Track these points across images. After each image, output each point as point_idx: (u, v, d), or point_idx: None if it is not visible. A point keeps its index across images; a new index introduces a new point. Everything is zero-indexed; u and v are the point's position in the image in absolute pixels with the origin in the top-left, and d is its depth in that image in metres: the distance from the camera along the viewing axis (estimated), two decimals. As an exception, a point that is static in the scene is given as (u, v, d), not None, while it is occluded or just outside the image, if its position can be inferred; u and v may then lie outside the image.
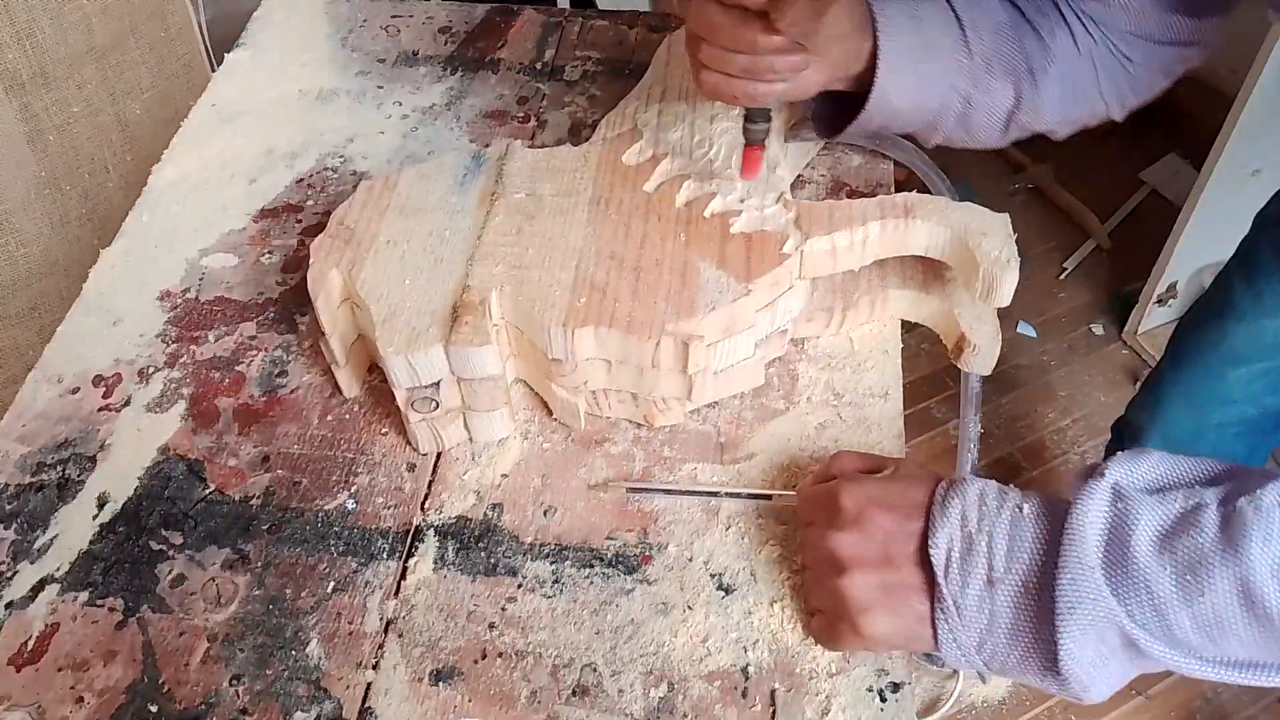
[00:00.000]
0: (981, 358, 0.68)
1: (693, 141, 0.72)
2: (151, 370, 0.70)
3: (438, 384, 0.61)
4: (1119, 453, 0.50)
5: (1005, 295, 0.63)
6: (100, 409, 0.68)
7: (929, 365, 1.74)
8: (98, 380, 0.70)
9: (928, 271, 0.70)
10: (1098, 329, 1.84)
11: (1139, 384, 1.13)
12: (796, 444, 0.65)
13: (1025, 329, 1.81)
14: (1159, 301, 1.72)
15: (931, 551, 0.50)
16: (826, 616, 0.54)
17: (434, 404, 0.61)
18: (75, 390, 0.69)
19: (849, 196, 0.81)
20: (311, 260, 0.64)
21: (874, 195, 0.81)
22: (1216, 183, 1.50)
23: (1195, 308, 1.01)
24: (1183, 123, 2.01)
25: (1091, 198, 1.99)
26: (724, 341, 0.63)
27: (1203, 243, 1.62)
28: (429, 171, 0.70)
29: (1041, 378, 1.76)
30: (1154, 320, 1.76)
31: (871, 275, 0.70)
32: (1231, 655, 0.46)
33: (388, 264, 0.64)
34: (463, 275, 0.63)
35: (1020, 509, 0.51)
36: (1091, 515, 0.48)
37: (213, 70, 1.58)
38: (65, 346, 0.72)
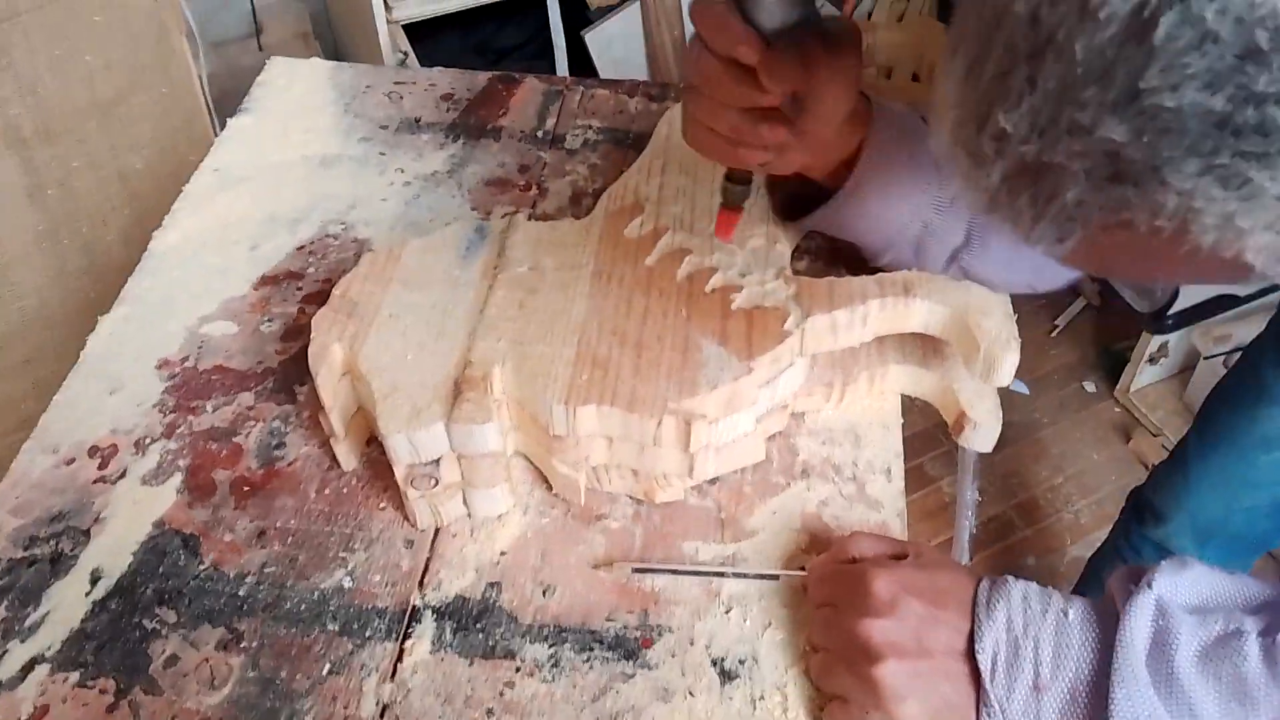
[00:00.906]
0: (982, 435, 0.68)
1: (693, 215, 0.72)
2: (148, 441, 0.70)
3: (438, 460, 0.61)
4: (1162, 563, 0.51)
5: (1005, 375, 0.63)
6: (95, 480, 0.67)
7: (922, 422, 1.73)
8: (94, 451, 0.69)
9: (927, 347, 0.70)
10: (1089, 386, 1.85)
11: (1160, 464, 1.12)
12: (799, 521, 0.65)
13: (1018, 386, 1.82)
14: (1150, 360, 1.73)
15: (979, 656, 0.51)
16: (852, 704, 0.53)
17: (433, 481, 0.61)
18: (71, 461, 0.69)
19: (845, 265, 0.81)
20: (313, 335, 0.64)
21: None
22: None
23: (1224, 390, 1.01)
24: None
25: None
26: (725, 418, 0.63)
27: (1194, 304, 1.63)
28: (434, 244, 0.70)
29: (1034, 434, 1.77)
30: (1145, 379, 1.77)
31: (871, 350, 0.70)
32: None
33: (390, 338, 0.64)
34: (465, 349, 0.63)
35: (1065, 614, 0.51)
36: (1140, 630, 0.48)
37: (213, 124, 1.60)
38: (62, 414, 0.71)
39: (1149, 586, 0.50)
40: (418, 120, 0.97)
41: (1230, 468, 0.98)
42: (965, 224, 0.66)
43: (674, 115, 0.82)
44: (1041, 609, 0.52)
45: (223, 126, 1.61)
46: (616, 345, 0.63)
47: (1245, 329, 1.66)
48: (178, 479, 0.68)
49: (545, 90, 1.00)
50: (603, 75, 1.89)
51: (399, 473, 0.61)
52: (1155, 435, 1.72)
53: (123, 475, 0.68)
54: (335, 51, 2.10)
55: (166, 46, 1.47)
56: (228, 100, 1.70)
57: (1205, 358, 1.65)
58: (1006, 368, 0.63)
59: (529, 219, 0.86)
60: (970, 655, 0.52)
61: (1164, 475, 1.09)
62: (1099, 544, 1.68)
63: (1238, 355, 1.66)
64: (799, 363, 0.66)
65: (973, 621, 0.53)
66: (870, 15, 2.36)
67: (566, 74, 1.85)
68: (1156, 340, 1.68)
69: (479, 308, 0.66)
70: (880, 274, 0.67)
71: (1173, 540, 1.08)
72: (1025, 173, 0.32)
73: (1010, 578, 0.55)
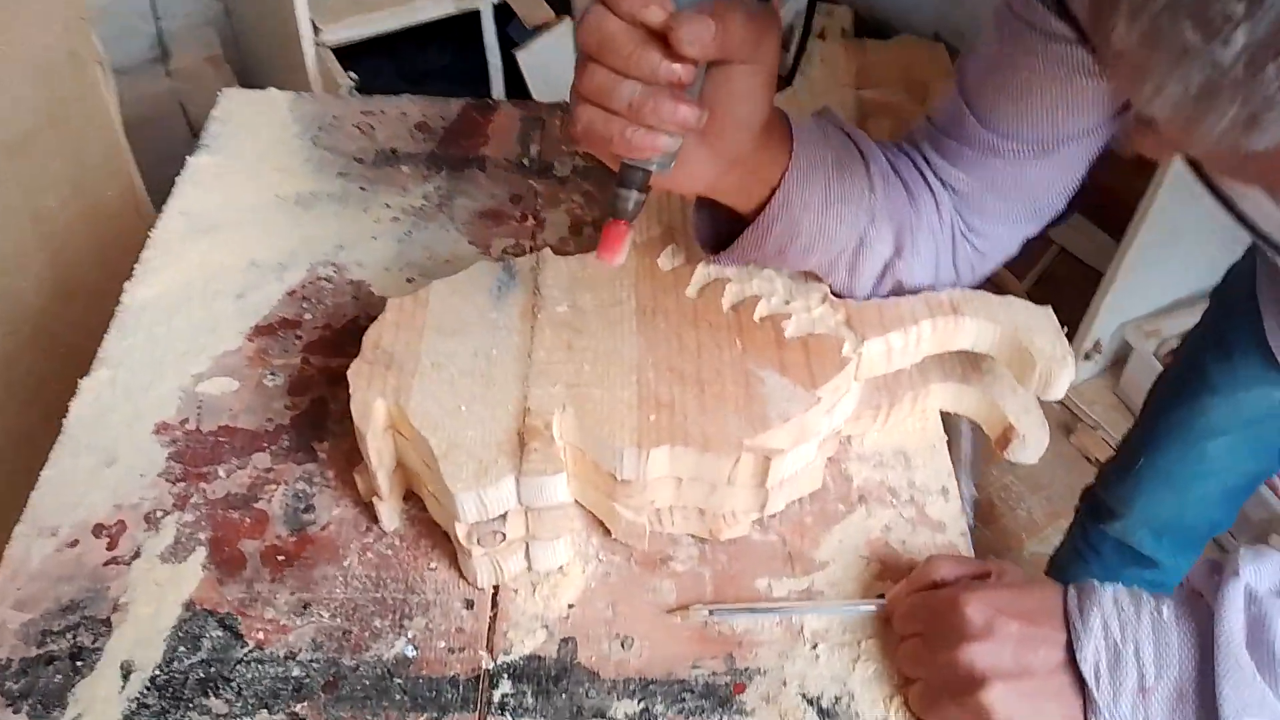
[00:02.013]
0: (1030, 448, 0.68)
1: (722, 242, 0.71)
2: (160, 514, 0.64)
3: (504, 515, 0.57)
4: (1242, 551, 0.51)
5: (1061, 389, 0.64)
6: (106, 563, 0.61)
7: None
8: (99, 530, 0.63)
9: (966, 363, 0.71)
10: (1027, 385, 1.91)
11: (1108, 461, 1.15)
12: (867, 549, 0.64)
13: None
14: (1085, 357, 1.79)
15: (1081, 665, 0.51)
16: None
17: (501, 536, 0.58)
18: (74, 543, 0.62)
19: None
20: (353, 390, 0.60)
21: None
22: (1137, 247, 1.58)
23: (1166, 384, 1.04)
24: (1081, 187, 2.13)
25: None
26: (793, 449, 0.61)
27: (1123, 302, 1.70)
28: (460, 285, 0.67)
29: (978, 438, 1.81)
30: (1081, 375, 1.84)
31: (913, 371, 0.70)
32: None
33: (437, 389, 0.60)
34: (520, 397, 0.60)
35: (1159, 613, 0.52)
36: (1235, 619, 0.48)
37: (133, 159, 1.51)
38: (54, 492, 0.65)
39: (1236, 575, 0.51)
40: (394, 152, 0.93)
41: (1179, 460, 1.01)
42: (893, 233, 0.63)
43: (682, 140, 0.80)
44: (1135, 611, 0.53)
45: (136, 160, 1.51)
46: (677, 384, 0.61)
47: (1173, 323, 1.74)
48: (201, 554, 0.62)
49: (523, 117, 0.97)
50: (535, 94, 1.86)
51: (461, 531, 0.57)
52: (1095, 429, 1.78)
53: (137, 554, 0.62)
54: (247, 77, 2.00)
55: (81, 76, 1.38)
56: (138, 131, 1.60)
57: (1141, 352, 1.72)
58: (1063, 382, 0.63)
59: (530, 251, 0.83)
60: (1072, 667, 0.52)
61: (1115, 472, 1.12)
62: (1052, 539, 1.74)
63: (1167, 348, 1.75)
64: (854, 388, 0.65)
65: (1068, 632, 0.53)
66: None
67: (502, 94, 1.81)
68: (1091, 338, 1.75)
69: (526, 352, 0.62)
70: (924, 293, 0.67)
71: (1131, 535, 1.11)
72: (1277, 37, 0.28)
73: (1096, 583, 0.55)
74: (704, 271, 0.68)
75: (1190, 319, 1.76)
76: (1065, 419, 1.85)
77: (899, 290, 0.67)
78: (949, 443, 0.71)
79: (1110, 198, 2.04)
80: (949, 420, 0.73)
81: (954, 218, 0.66)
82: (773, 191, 0.59)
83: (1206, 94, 0.30)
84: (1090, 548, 1.19)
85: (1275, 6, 0.28)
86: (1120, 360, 1.81)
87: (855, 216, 0.62)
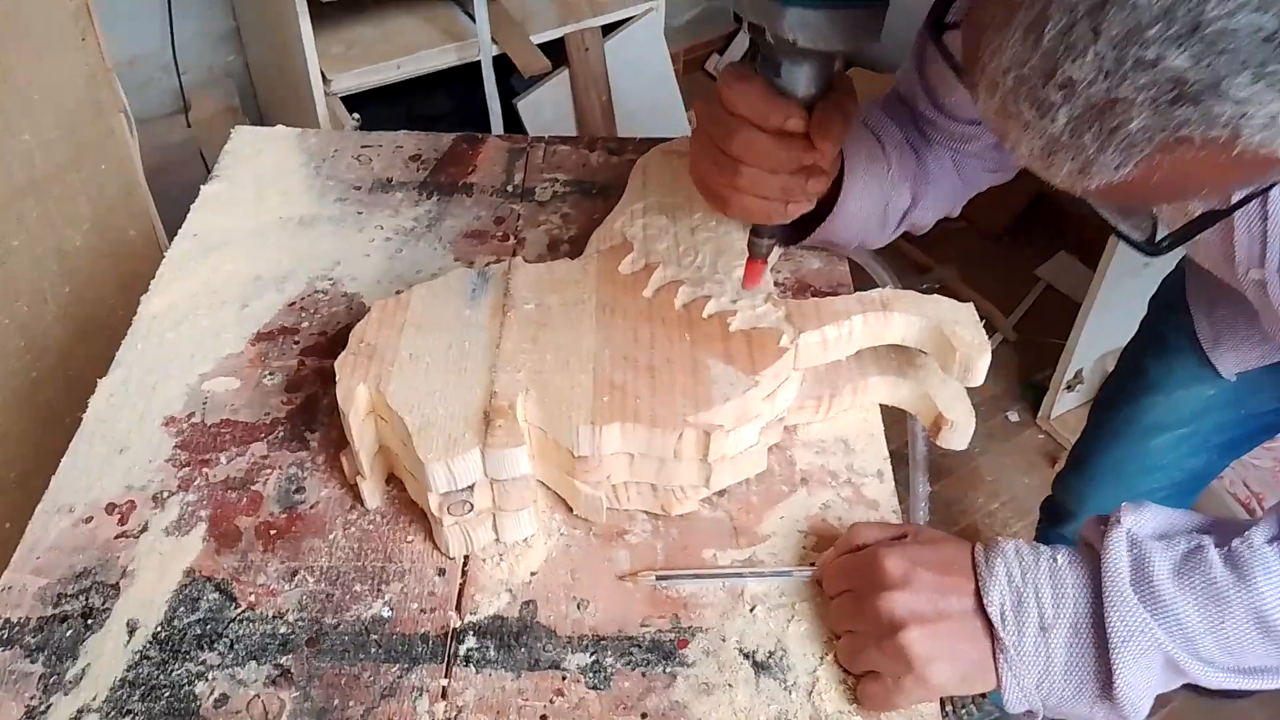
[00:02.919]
0: (959, 434, 0.74)
1: (679, 250, 0.78)
2: (166, 495, 0.71)
3: (472, 487, 0.64)
4: (1124, 504, 0.57)
5: (979, 375, 0.70)
6: (117, 536, 0.68)
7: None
8: (111, 508, 0.70)
9: (901, 359, 0.77)
10: (1013, 416, 1.96)
11: (1060, 466, 1.21)
12: (806, 524, 0.70)
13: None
14: (1068, 387, 1.84)
15: (989, 608, 0.57)
16: (884, 677, 0.58)
17: (469, 506, 0.64)
18: (89, 519, 0.69)
19: (813, 295, 0.88)
20: (338, 378, 0.67)
21: (836, 293, 0.88)
22: (1110, 278, 1.65)
23: (1107, 390, 1.09)
24: (1068, 223, 2.20)
25: (993, 294, 2.14)
26: (734, 430, 0.67)
27: (1102, 332, 1.76)
28: (438, 289, 0.74)
29: (968, 464, 1.86)
30: (1064, 405, 1.89)
31: (852, 365, 0.76)
32: (1246, 665, 0.55)
33: (413, 377, 0.67)
34: (488, 383, 0.66)
35: (1055, 560, 0.58)
36: (1120, 559, 0.54)
37: (152, 199, 1.60)
38: (72, 477, 0.72)
39: (1118, 523, 0.58)
40: (389, 180, 1.01)
41: (1124, 458, 1.06)
42: (910, 186, 0.77)
43: (648, 163, 0.88)
44: (1034, 559, 0.59)
45: (156, 202, 1.61)
46: (630, 370, 0.67)
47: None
48: (201, 529, 0.69)
49: (509, 148, 1.05)
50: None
51: (433, 501, 0.64)
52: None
53: (144, 529, 0.69)
54: (264, 125, 2.11)
55: (103, 124, 1.48)
56: (159, 177, 1.70)
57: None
58: (980, 368, 0.69)
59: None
60: (981, 612, 0.58)
61: (1068, 475, 1.17)
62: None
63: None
64: (794, 377, 0.71)
65: (976, 581, 0.59)
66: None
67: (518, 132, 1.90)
68: (1072, 368, 1.80)
69: (495, 344, 0.69)
70: (859, 293, 0.73)
71: None
72: (1092, 111, 0.36)
73: (1001, 538, 0.61)
74: (660, 274, 0.75)
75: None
76: (1050, 448, 1.90)
77: (915, 228, 0.81)
78: (907, 445, 0.78)
79: (1096, 235, 2.11)
80: (904, 425, 0.79)
81: (950, 151, 0.79)
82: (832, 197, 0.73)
83: (1047, 153, 0.40)
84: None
85: (1083, 95, 0.36)
86: (1096, 386, 1.86)
87: (881, 191, 0.76)
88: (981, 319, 0.72)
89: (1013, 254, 2.25)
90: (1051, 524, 1.19)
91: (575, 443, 0.65)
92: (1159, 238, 0.48)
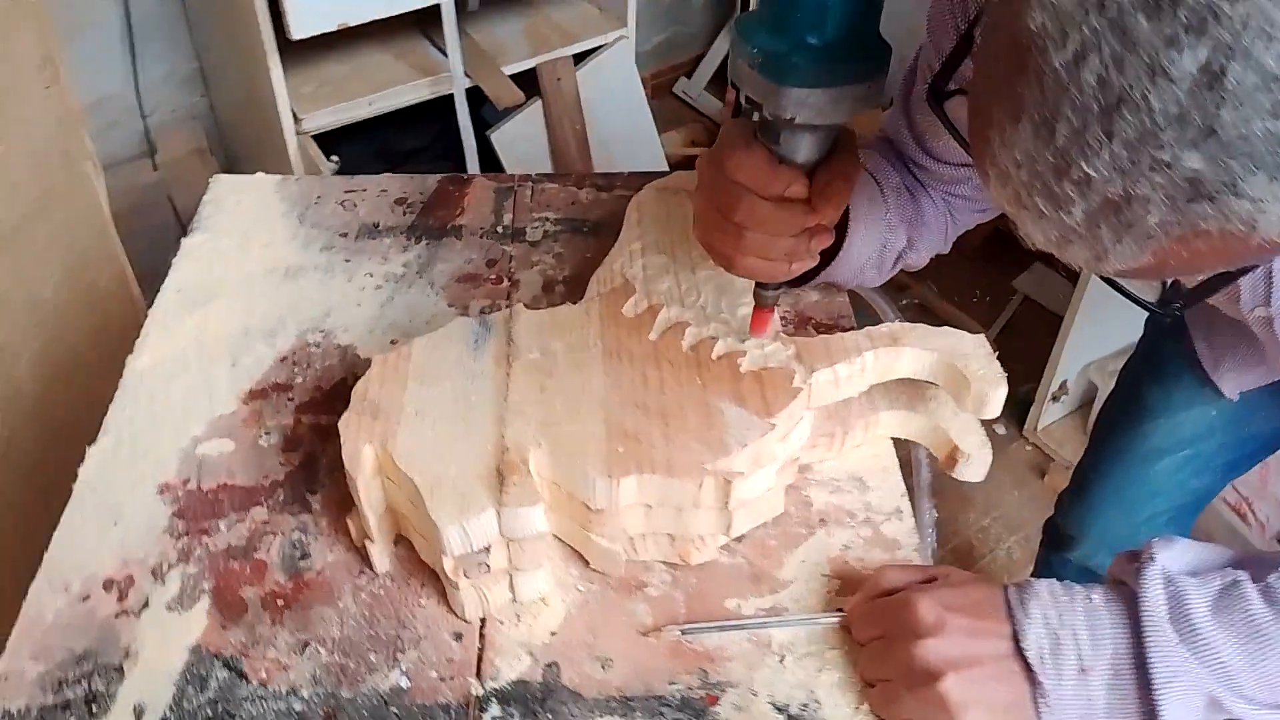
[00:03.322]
0: (974, 466, 0.73)
1: (681, 290, 0.77)
2: (165, 567, 0.68)
3: (488, 548, 0.62)
4: (1154, 540, 0.57)
5: (995, 407, 0.69)
6: (117, 614, 0.65)
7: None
8: (109, 584, 0.67)
9: (912, 391, 0.76)
10: (999, 429, 1.96)
11: (1050, 477, 1.20)
12: (828, 567, 0.68)
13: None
14: (1053, 399, 1.85)
15: (1026, 651, 0.56)
16: None
17: (486, 568, 0.62)
18: (86, 597, 0.66)
19: (815, 329, 0.87)
20: (343, 439, 0.65)
21: (837, 326, 0.88)
22: (1091, 291, 1.66)
23: (1107, 413, 1.09)
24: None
25: (972, 309, 2.15)
26: (752, 475, 0.66)
27: (1084, 343, 1.77)
28: (439, 340, 0.72)
29: (958, 482, 1.85)
30: (1050, 416, 1.90)
31: (862, 400, 0.75)
32: None
33: (420, 433, 0.65)
34: (498, 437, 0.65)
35: (1090, 599, 0.57)
36: (1157, 597, 0.54)
37: (123, 247, 1.57)
38: (66, 552, 0.69)
39: (1152, 560, 0.57)
40: (376, 225, 0.99)
41: (1127, 483, 1.06)
42: (905, 228, 0.78)
43: (642, 201, 0.87)
44: (1069, 600, 0.58)
45: (125, 248, 1.57)
46: (642, 417, 0.66)
47: (1132, 359, 1.81)
48: (205, 602, 0.66)
49: (495, 188, 1.04)
50: (509, 170, 1.94)
51: (448, 565, 0.62)
52: (1068, 469, 1.83)
53: (145, 605, 0.66)
54: (232, 167, 2.08)
55: (72, 170, 1.45)
56: (127, 222, 1.67)
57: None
58: (996, 401, 0.69)
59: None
60: (1017, 655, 0.57)
61: (1070, 501, 1.17)
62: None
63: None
64: (807, 416, 0.70)
65: (1012, 624, 0.58)
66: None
67: (478, 171, 1.89)
68: (1057, 380, 1.81)
69: (501, 395, 0.68)
70: (867, 328, 0.73)
71: (1091, 559, 1.16)
72: (1108, 207, 0.37)
73: (1033, 579, 0.60)
74: (665, 316, 0.74)
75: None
76: (1038, 460, 1.90)
77: (909, 268, 0.83)
78: (910, 473, 0.77)
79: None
80: (906, 452, 0.79)
81: (942, 194, 0.80)
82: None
83: (1062, 241, 0.40)
84: (1055, 576, 1.23)
85: (1099, 191, 0.36)
86: (1087, 401, 1.87)
87: (880, 234, 0.77)
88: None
89: (989, 268, 2.26)
90: (1055, 549, 1.18)
91: (591, 496, 0.63)
92: (1172, 303, 0.48)
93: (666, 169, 2.29)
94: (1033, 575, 1.32)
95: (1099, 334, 1.78)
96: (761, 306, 0.70)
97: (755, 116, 0.60)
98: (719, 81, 2.76)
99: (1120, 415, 1.04)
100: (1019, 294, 2.20)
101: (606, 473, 0.62)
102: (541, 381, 0.69)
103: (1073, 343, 1.75)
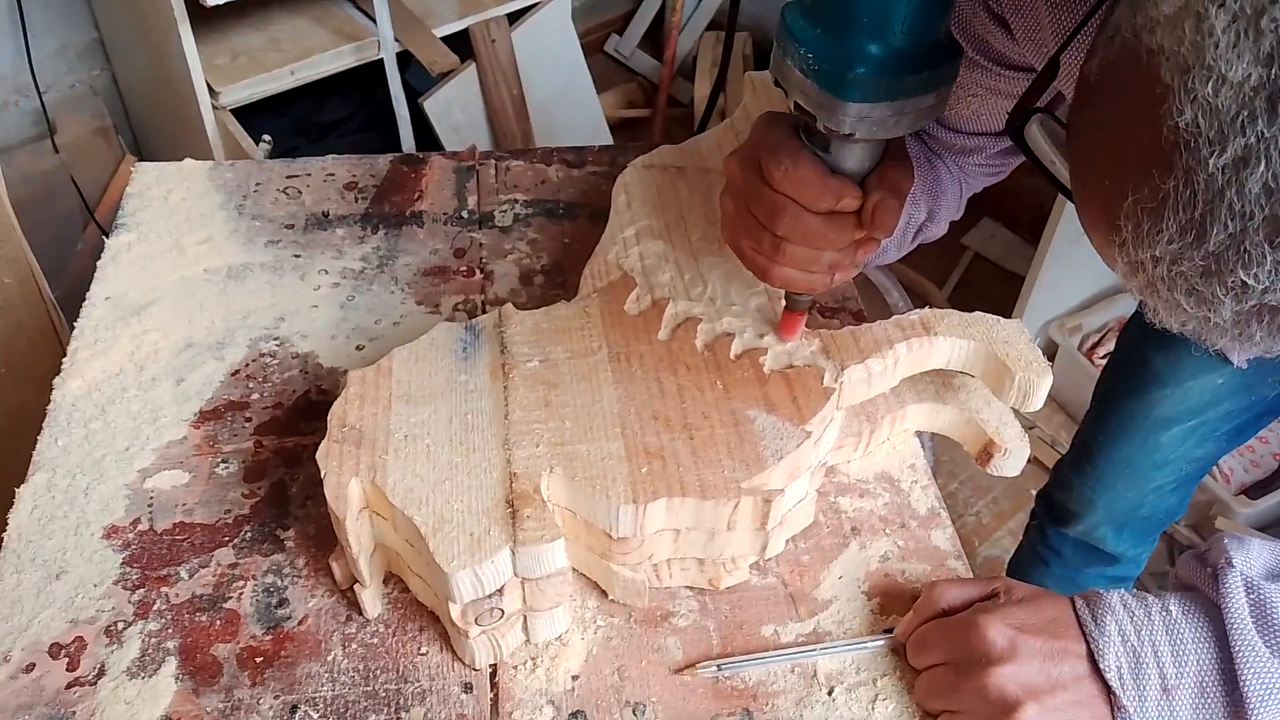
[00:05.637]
0: (1012, 460, 0.68)
1: (684, 280, 0.69)
2: (121, 626, 0.59)
3: (501, 590, 0.54)
4: (1225, 541, 0.53)
5: (1040, 399, 0.64)
6: (70, 685, 0.56)
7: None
8: (56, 650, 0.58)
9: (938, 381, 0.70)
10: (959, 389, 1.95)
11: (1061, 462, 1.16)
12: (866, 583, 0.63)
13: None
14: (1013, 357, 1.83)
15: (1105, 672, 0.52)
16: None
17: (499, 613, 0.55)
18: (29, 667, 0.57)
19: (820, 314, 0.81)
20: (324, 473, 0.56)
21: (843, 308, 0.82)
22: (1052, 249, 1.63)
23: (1109, 382, 1.05)
24: (985, 190, 2.19)
25: (923, 268, 2.12)
26: (789, 486, 0.60)
27: (1045, 302, 1.75)
28: (421, 350, 0.64)
29: (920, 443, 1.84)
30: (1010, 374, 1.88)
31: (888, 394, 0.69)
32: None
33: (414, 462, 0.57)
34: (504, 463, 0.57)
35: (1168, 612, 0.53)
36: (1240, 606, 0.50)
37: (26, 241, 1.42)
38: (1, 614, 0.60)
39: (1230, 565, 0.53)
40: (326, 215, 0.89)
41: (1136, 453, 1.03)
42: (926, 201, 0.74)
43: (629, 181, 0.79)
44: (1146, 613, 0.54)
45: (29, 241, 1.43)
46: (664, 431, 0.59)
47: (1093, 318, 1.80)
48: (172, 665, 0.58)
49: (456, 168, 0.95)
50: (445, 142, 1.83)
51: (455, 612, 0.54)
52: (1031, 429, 1.82)
53: (101, 673, 0.57)
54: (143, 147, 1.93)
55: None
56: (27, 211, 1.52)
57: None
58: (1041, 393, 0.63)
59: (483, 306, 0.81)
60: (1095, 675, 0.53)
61: (1071, 473, 1.13)
62: (1003, 542, 1.76)
63: (1090, 343, 1.81)
64: (837, 417, 0.64)
65: (1085, 641, 0.53)
66: (694, 60, 2.43)
67: (412, 144, 1.77)
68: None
69: (502, 413, 0.60)
70: (895, 317, 0.67)
71: (1094, 533, 1.13)
72: (1264, 311, 0.35)
73: (1101, 591, 0.55)
74: (673, 312, 0.67)
75: (1107, 313, 1.84)
76: (999, 419, 1.89)
77: (927, 240, 0.78)
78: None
79: (1018, 200, 2.11)
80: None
81: (956, 162, 0.76)
82: None
83: (1203, 333, 0.38)
84: (1051, 550, 1.20)
85: (1255, 296, 0.34)
86: (1049, 359, 1.86)
87: (907, 215, 0.73)
88: (915, 293, 0.67)
89: (938, 225, 2.23)
90: (1054, 524, 1.15)
91: (614, 525, 0.56)
92: None
93: (610, 136, 2.20)
94: (1022, 549, 1.30)
95: (1058, 293, 1.76)
96: (793, 310, 0.64)
97: (795, 110, 0.53)
98: (653, 38, 2.66)
99: (1125, 382, 1.01)
100: (969, 250, 2.17)
101: (631, 498, 0.55)
102: (545, 395, 0.61)
103: (1032, 302, 1.73)
